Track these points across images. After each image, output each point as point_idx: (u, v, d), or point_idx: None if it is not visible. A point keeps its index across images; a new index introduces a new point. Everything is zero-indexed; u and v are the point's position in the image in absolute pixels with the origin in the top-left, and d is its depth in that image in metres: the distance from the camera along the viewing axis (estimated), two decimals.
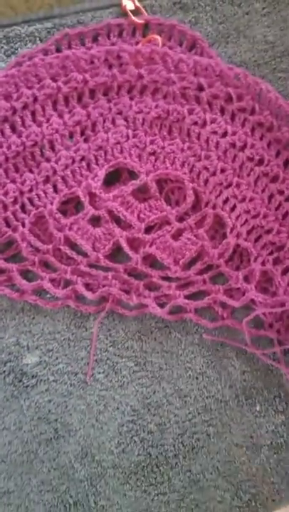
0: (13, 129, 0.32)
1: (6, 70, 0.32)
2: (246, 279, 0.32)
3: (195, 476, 0.32)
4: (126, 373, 0.32)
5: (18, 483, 0.32)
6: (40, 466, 0.32)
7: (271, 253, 0.32)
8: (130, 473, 0.32)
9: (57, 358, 0.32)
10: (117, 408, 0.32)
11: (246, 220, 0.32)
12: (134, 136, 0.32)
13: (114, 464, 0.32)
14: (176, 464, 0.32)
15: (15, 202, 0.32)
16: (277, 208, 0.32)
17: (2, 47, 0.33)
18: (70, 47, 0.33)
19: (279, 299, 0.31)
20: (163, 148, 0.32)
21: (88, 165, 0.32)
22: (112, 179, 0.32)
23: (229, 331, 0.33)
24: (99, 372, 0.32)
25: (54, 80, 0.32)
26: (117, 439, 0.32)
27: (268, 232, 0.32)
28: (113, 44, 0.33)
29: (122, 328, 0.32)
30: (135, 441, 0.32)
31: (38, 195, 0.32)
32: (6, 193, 0.31)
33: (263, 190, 0.32)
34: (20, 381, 0.32)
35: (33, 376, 0.32)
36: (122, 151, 0.32)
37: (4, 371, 0.32)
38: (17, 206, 0.32)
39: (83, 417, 0.32)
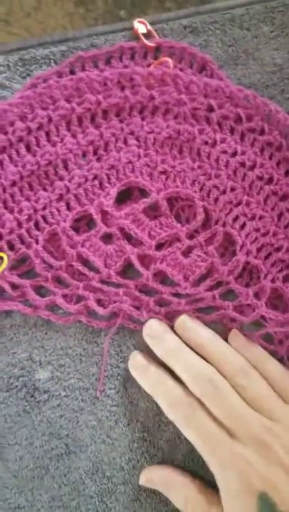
0: (28, 148, 0.33)
1: (22, 91, 0.33)
2: (256, 295, 0.32)
3: None
4: (136, 389, 0.32)
5: (29, 498, 0.32)
6: (51, 481, 0.32)
7: (281, 270, 0.32)
8: (140, 490, 0.32)
9: (68, 374, 0.33)
10: (128, 424, 0.32)
11: (256, 238, 0.32)
12: (146, 155, 0.32)
13: (125, 481, 0.32)
14: None
15: (29, 219, 0.32)
16: (286, 226, 0.32)
17: (18, 69, 0.34)
18: (83, 69, 0.34)
19: None
20: (174, 167, 0.32)
21: (100, 183, 0.32)
22: (123, 197, 0.33)
23: None
24: (110, 388, 0.33)
25: (68, 101, 0.33)
26: (127, 455, 0.32)
27: (278, 250, 0.32)
28: (126, 66, 0.34)
29: (132, 343, 0.33)
30: (145, 458, 0.32)
31: (52, 213, 0.32)
32: (20, 211, 0.32)
33: (272, 209, 0.32)
34: (33, 396, 0.33)
35: (45, 391, 0.33)
36: (133, 170, 0.32)
37: (17, 386, 0.33)
38: (31, 224, 0.32)
39: (94, 432, 0.32)
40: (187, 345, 0.31)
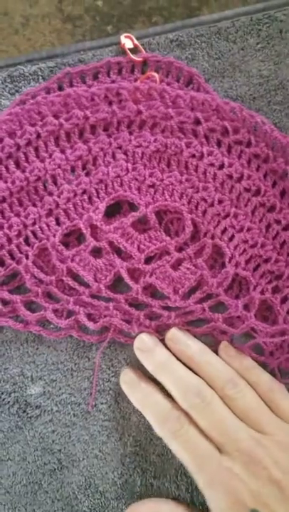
0: (17, 164, 0.33)
1: (10, 108, 0.34)
2: (246, 307, 0.32)
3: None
4: (128, 404, 0.32)
5: None
6: (44, 497, 0.32)
7: (270, 282, 0.32)
8: None
9: (60, 389, 0.33)
10: (120, 439, 0.32)
11: (244, 250, 0.32)
12: (134, 169, 0.33)
13: (118, 495, 0.32)
14: (179, 495, 0.32)
15: (19, 235, 0.32)
16: (274, 238, 0.32)
17: (6, 86, 0.35)
18: (71, 85, 0.34)
19: (279, 327, 0.31)
20: (162, 180, 0.33)
21: (89, 198, 0.33)
22: (112, 211, 0.33)
23: None
24: (101, 403, 0.33)
25: (56, 117, 0.33)
26: (120, 470, 0.32)
27: (267, 261, 0.32)
28: (113, 81, 0.34)
29: (123, 357, 0.33)
30: (138, 472, 0.32)
31: (41, 228, 0.32)
32: (10, 227, 0.32)
33: (260, 220, 0.32)
34: (25, 411, 0.33)
35: (36, 406, 0.33)
36: (122, 184, 0.33)
37: (9, 402, 0.33)
38: (21, 239, 0.32)
39: (86, 447, 0.32)
40: (178, 358, 0.31)
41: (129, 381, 0.32)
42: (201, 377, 0.30)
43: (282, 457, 0.27)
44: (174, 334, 0.32)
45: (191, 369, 0.31)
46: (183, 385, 0.30)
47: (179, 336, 0.32)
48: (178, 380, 0.30)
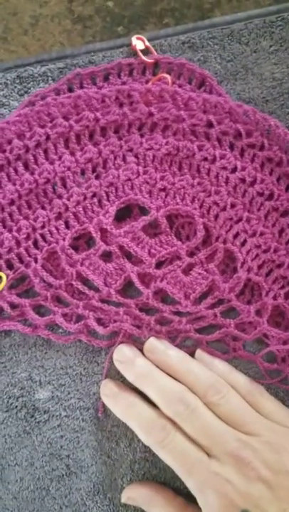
0: (26, 166, 0.32)
1: (19, 109, 0.33)
2: (258, 313, 0.32)
3: None
4: None
5: None
6: (52, 503, 0.32)
7: (283, 287, 0.32)
8: None
9: (69, 393, 0.32)
10: (129, 445, 0.32)
11: (257, 255, 0.32)
12: (145, 172, 0.32)
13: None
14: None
15: (28, 238, 0.32)
16: (287, 243, 0.32)
17: (15, 87, 0.34)
18: (81, 86, 0.34)
19: None
20: (173, 184, 0.32)
21: (99, 201, 0.32)
22: (123, 215, 0.33)
23: (241, 363, 0.32)
24: None
25: (66, 118, 0.32)
26: (129, 476, 0.32)
27: (279, 266, 0.32)
28: (124, 83, 0.34)
29: None
30: (147, 479, 0.32)
31: (51, 232, 0.32)
32: (19, 230, 0.32)
33: (273, 225, 0.32)
34: (33, 416, 0.32)
35: (45, 411, 0.32)
36: (132, 188, 0.32)
37: (16, 406, 0.32)
38: (30, 242, 0.32)
39: (95, 453, 0.32)
40: (158, 368, 0.31)
41: (109, 393, 0.31)
42: (182, 384, 0.30)
43: (270, 457, 0.27)
44: (152, 344, 0.31)
45: (172, 377, 0.30)
46: (165, 393, 0.29)
47: (157, 345, 0.31)
48: (160, 389, 0.30)
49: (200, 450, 0.28)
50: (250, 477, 0.27)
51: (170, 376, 0.30)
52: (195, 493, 0.28)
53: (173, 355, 0.31)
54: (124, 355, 0.31)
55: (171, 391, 0.29)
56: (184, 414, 0.28)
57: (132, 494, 0.31)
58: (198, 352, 0.32)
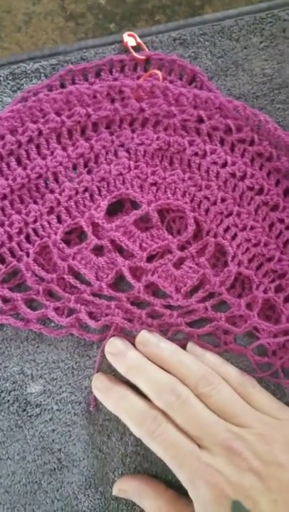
0: (19, 161, 0.33)
1: (12, 105, 0.34)
2: (248, 306, 0.32)
3: None
4: None
5: None
6: (43, 496, 0.32)
7: (273, 281, 0.32)
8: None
9: (60, 387, 0.32)
10: (121, 439, 0.32)
11: (247, 249, 0.32)
12: (136, 167, 0.32)
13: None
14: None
15: (20, 232, 0.32)
16: (277, 237, 0.32)
17: (8, 83, 0.35)
18: (73, 82, 0.34)
19: (282, 326, 0.31)
20: (164, 178, 0.32)
21: (91, 196, 0.32)
22: (114, 209, 0.33)
23: (232, 357, 0.33)
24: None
25: (58, 114, 0.33)
26: (120, 470, 0.32)
27: (270, 260, 0.32)
28: (115, 79, 0.34)
29: None
30: (139, 472, 0.32)
31: (43, 226, 0.32)
32: (11, 224, 0.32)
33: (263, 219, 0.32)
34: (25, 410, 0.32)
35: (36, 405, 0.32)
36: (124, 182, 0.32)
37: (8, 400, 0.32)
38: (22, 237, 0.32)
39: (87, 447, 0.32)
40: (150, 360, 0.31)
41: (101, 387, 0.31)
42: (175, 377, 0.30)
43: (261, 448, 0.27)
44: (144, 337, 0.32)
45: (164, 369, 0.30)
46: (156, 384, 0.29)
47: (149, 338, 0.31)
48: (151, 380, 0.30)
49: (191, 441, 0.28)
50: (241, 468, 0.27)
51: (162, 369, 0.30)
52: (186, 484, 0.27)
53: (165, 347, 0.31)
54: (116, 348, 0.31)
55: (162, 382, 0.29)
56: (175, 405, 0.29)
57: (123, 486, 0.31)
58: (190, 345, 0.32)
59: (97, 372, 0.32)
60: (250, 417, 0.29)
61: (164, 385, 0.29)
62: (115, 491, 0.31)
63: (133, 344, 0.32)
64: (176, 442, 0.28)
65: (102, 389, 0.31)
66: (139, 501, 0.30)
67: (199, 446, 0.28)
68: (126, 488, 0.31)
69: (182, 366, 0.30)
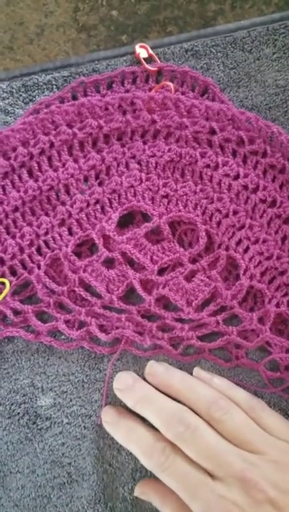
0: (31, 173, 0.33)
1: (24, 117, 0.34)
2: (260, 320, 0.32)
3: None
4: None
5: None
6: (53, 511, 0.32)
7: (286, 295, 0.32)
8: None
9: (71, 400, 0.32)
10: (131, 453, 0.32)
11: (260, 262, 0.32)
12: (148, 179, 0.32)
13: (128, 511, 0.31)
14: None
15: (31, 244, 0.32)
16: None
17: (21, 95, 0.35)
18: (85, 94, 0.34)
19: None
20: (176, 191, 0.32)
21: (102, 208, 0.32)
22: (125, 222, 0.33)
23: (243, 372, 0.32)
24: None
25: (70, 126, 0.33)
26: (130, 485, 0.32)
27: (282, 273, 0.32)
28: (127, 91, 0.34)
29: (135, 369, 0.32)
30: None
31: (54, 238, 0.32)
32: (22, 236, 0.32)
33: (276, 232, 0.32)
34: (35, 423, 0.32)
35: (47, 418, 0.32)
36: (135, 194, 0.32)
37: (19, 413, 0.32)
38: (33, 249, 0.32)
39: (97, 461, 0.32)
40: (161, 392, 0.30)
41: (110, 420, 0.31)
42: (185, 405, 0.29)
43: (277, 477, 0.27)
44: (152, 367, 0.31)
45: (175, 400, 0.30)
46: (164, 414, 0.29)
47: (157, 367, 0.31)
48: (159, 411, 0.29)
49: (203, 472, 0.27)
50: (257, 499, 0.26)
51: (173, 398, 0.30)
52: None
53: (173, 374, 0.31)
54: (123, 383, 0.31)
55: (170, 412, 0.29)
56: (185, 437, 0.28)
57: (145, 489, 0.30)
58: (196, 369, 0.32)
59: (107, 385, 0.32)
60: (264, 443, 0.28)
61: (172, 414, 0.29)
62: (137, 492, 0.31)
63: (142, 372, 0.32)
64: (186, 474, 0.27)
65: (111, 422, 0.31)
66: (160, 507, 0.29)
67: (212, 477, 0.27)
68: (147, 490, 0.30)
69: (193, 392, 0.30)
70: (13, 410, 0.32)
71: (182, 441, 0.28)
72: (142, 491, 0.31)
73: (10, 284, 0.32)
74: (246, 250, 0.32)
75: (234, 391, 0.31)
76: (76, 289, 0.32)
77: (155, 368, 0.31)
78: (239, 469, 0.27)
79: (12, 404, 0.32)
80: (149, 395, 0.30)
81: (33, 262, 0.32)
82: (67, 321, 0.32)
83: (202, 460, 0.27)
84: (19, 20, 0.37)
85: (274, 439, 0.28)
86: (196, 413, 0.29)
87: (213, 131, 0.32)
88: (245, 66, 0.34)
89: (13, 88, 0.35)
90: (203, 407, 0.29)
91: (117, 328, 0.32)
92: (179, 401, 0.30)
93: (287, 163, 0.32)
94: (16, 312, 0.32)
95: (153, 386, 0.31)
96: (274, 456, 0.27)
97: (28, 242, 0.32)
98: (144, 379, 0.31)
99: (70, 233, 0.32)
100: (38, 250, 0.32)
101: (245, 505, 0.26)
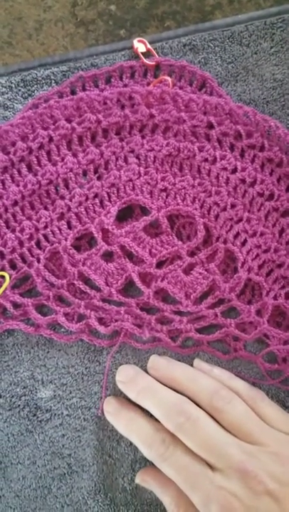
0: (30, 168, 0.33)
1: (23, 112, 0.34)
2: (258, 313, 0.32)
3: None
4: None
5: None
6: (53, 501, 0.32)
7: (283, 287, 0.32)
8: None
9: (70, 393, 0.33)
10: (130, 444, 0.32)
11: (257, 255, 0.32)
12: (146, 173, 0.33)
13: (127, 502, 0.32)
14: None
15: (30, 238, 0.32)
16: (288, 243, 0.32)
17: (20, 90, 0.35)
18: (84, 89, 0.34)
19: None
20: (174, 184, 0.32)
21: (101, 202, 0.33)
22: (124, 215, 0.33)
23: (242, 364, 0.32)
24: None
25: (69, 120, 0.33)
26: (130, 476, 0.32)
27: (280, 266, 0.32)
28: (125, 85, 0.34)
29: (134, 362, 0.33)
30: None
31: (53, 232, 0.32)
32: (22, 230, 0.32)
33: (273, 225, 0.32)
34: (35, 415, 0.33)
35: (47, 410, 0.33)
36: (134, 188, 0.33)
37: (19, 405, 0.33)
38: (32, 242, 0.32)
39: (96, 452, 0.32)
40: (163, 384, 0.31)
41: (111, 410, 0.31)
42: (188, 396, 0.30)
43: (277, 469, 0.27)
44: (154, 361, 0.32)
45: (178, 393, 0.30)
46: (165, 405, 0.29)
47: (159, 361, 0.31)
48: (160, 402, 0.29)
49: (203, 463, 0.27)
50: (256, 491, 0.26)
51: (175, 391, 0.30)
52: (200, 507, 0.27)
53: (175, 367, 0.31)
54: (125, 375, 0.31)
55: (170, 403, 0.29)
56: (185, 427, 0.28)
57: (146, 476, 0.31)
58: (196, 361, 0.32)
59: (106, 377, 0.32)
60: (264, 435, 0.28)
61: (173, 406, 0.29)
62: (138, 479, 0.31)
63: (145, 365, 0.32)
64: (186, 465, 0.27)
65: (112, 412, 0.31)
66: (160, 495, 0.30)
67: (212, 468, 0.27)
68: (148, 478, 0.31)
69: (194, 383, 0.30)
70: (14, 402, 0.33)
71: (182, 432, 0.28)
72: (143, 479, 0.31)
73: (10, 277, 0.32)
74: (244, 243, 0.32)
75: (234, 381, 0.31)
76: (75, 282, 0.32)
77: (157, 362, 0.31)
78: (239, 461, 0.27)
79: (12, 396, 0.33)
80: (151, 387, 0.30)
81: (32, 256, 0.32)
82: (66, 314, 0.32)
83: (202, 451, 0.28)
84: (18, 15, 0.37)
85: (274, 431, 0.29)
86: (198, 404, 0.29)
87: (211, 126, 0.32)
88: (242, 60, 0.34)
89: (12, 83, 0.35)
90: (205, 397, 0.29)
91: (116, 320, 0.32)
92: (181, 393, 0.30)
93: (285, 157, 0.32)
94: (16, 305, 0.32)
95: (156, 380, 0.31)
96: (274, 448, 0.28)
97: (27, 236, 0.32)
98: (146, 372, 0.32)
99: (69, 227, 0.33)
100: (38, 244, 0.33)
101: (244, 496, 0.26)
